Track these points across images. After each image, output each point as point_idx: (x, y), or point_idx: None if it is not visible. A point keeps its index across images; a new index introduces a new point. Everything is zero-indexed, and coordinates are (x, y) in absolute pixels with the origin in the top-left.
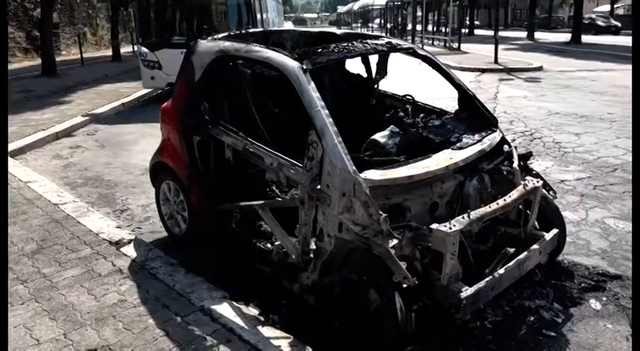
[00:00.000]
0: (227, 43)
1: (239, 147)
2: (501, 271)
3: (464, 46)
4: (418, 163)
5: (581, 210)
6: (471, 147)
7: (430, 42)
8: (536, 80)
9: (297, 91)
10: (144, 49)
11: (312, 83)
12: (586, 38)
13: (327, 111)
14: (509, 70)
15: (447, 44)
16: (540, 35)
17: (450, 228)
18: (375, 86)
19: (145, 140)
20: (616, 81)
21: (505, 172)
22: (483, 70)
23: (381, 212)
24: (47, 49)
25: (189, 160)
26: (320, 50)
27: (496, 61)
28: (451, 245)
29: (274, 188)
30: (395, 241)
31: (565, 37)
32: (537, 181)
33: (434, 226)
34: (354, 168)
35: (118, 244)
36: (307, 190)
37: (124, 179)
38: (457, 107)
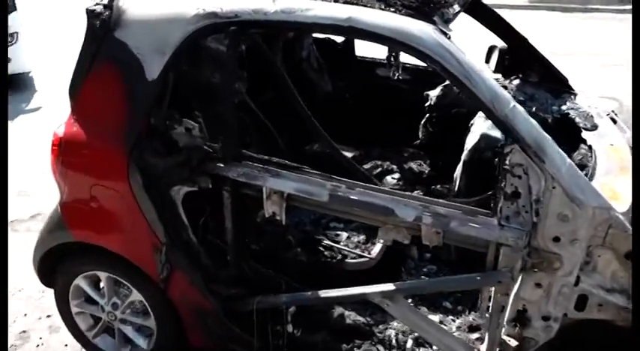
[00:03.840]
0: None
1: (320, 196)
2: None
3: None
4: (603, 167)
5: None
6: (602, 123)
7: None
8: None
9: (455, 76)
10: None
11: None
12: None
13: (522, 107)
14: None
15: None
16: None
17: None
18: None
19: None
20: None
21: None
22: None
23: None
24: None
25: (163, 230)
26: None
27: None
28: None
29: (328, 243)
30: None
31: None
32: None
33: None
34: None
35: None
36: (522, 253)
37: None
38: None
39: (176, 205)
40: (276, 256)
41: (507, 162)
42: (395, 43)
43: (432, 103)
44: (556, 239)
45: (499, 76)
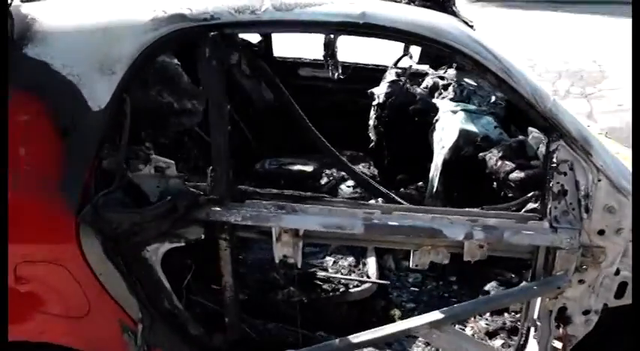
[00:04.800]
0: None
1: (353, 227)
2: None
3: None
4: None
5: None
6: None
7: None
8: None
9: (493, 71)
10: None
11: None
12: None
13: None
14: None
15: None
16: None
17: None
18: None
19: None
20: None
21: None
22: None
23: None
24: None
25: (137, 305)
26: None
27: None
28: None
29: (324, 274)
30: None
31: None
32: None
33: None
34: None
35: None
36: (578, 253)
37: None
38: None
39: (153, 268)
40: (268, 301)
41: (555, 160)
42: (421, 39)
43: (381, 101)
44: (601, 232)
45: (426, 67)
